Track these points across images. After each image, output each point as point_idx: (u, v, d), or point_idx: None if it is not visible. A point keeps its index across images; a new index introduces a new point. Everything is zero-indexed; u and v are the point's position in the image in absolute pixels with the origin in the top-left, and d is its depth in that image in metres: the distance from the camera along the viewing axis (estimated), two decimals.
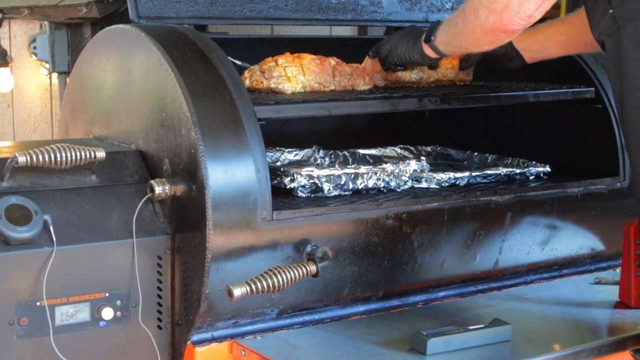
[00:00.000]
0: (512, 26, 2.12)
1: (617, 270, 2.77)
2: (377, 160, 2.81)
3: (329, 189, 2.43)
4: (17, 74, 4.27)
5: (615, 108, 2.55)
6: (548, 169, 2.80)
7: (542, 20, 2.35)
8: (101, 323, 2.16)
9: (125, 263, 2.17)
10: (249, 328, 2.25)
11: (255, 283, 2.05)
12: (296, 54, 2.53)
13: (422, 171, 2.59)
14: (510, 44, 2.63)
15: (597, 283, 2.72)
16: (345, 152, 2.87)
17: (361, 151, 2.89)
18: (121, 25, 2.46)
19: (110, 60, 2.47)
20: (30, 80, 4.24)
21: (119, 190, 2.24)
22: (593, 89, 2.80)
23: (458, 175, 2.65)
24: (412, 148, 3.07)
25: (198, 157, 2.08)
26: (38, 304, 2.07)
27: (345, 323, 2.35)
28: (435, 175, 2.61)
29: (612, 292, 2.59)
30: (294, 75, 2.47)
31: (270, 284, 2.06)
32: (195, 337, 2.19)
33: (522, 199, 2.59)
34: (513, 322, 2.25)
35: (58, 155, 2.10)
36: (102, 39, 2.56)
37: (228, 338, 2.22)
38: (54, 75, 4.08)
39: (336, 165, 2.79)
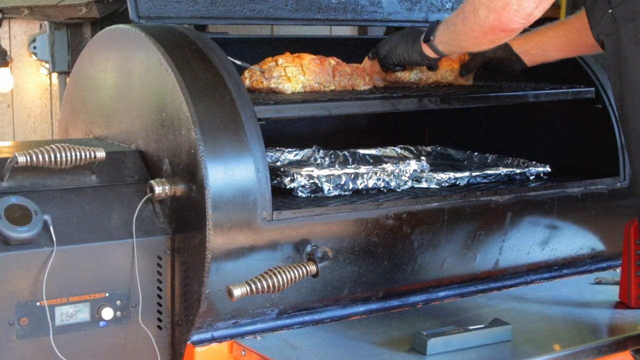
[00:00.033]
0: (511, 25, 2.12)
1: (617, 270, 2.77)
2: (377, 160, 2.80)
3: (329, 189, 2.43)
4: (17, 73, 4.27)
5: (615, 108, 2.55)
6: (548, 169, 2.80)
7: (542, 21, 2.35)
8: (101, 323, 2.16)
9: (125, 263, 2.17)
10: (249, 328, 2.25)
11: (255, 283, 2.05)
12: (296, 54, 2.53)
13: (422, 171, 2.59)
14: (509, 48, 2.63)
15: (597, 283, 2.72)
16: (345, 152, 2.87)
17: (361, 151, 2.89)
18: (121, 25, 2.46)
19: (110, 60, 2.47)
20: (30, 80, 4.24)
21: (119, 190, 2.24)
22: (593, 89, 2.80)
23: (458, 175, 2.65)
24: (412, 148, 3.07)
25: (198, 157, 2.08)
26: (38, 304, 2.07)
27: (345, 323, 2.35)
28: (435, 175, 2.61)
29: (612, 292, 2.59)
30: (294, 75, 2.47)
31: (270, 284, 2.06)
32: (195, 337, 2.19)
33: (522, 199, 2.59)
34: (513, 322, 2.25)
35: (58, 155, 2.10)
36: (102, 39, 2.56)
37: (228, 338, 2.22)
38: (54, 75, 4.08)
39: (336, 165, 2.79)
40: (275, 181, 2.41)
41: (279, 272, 2.07)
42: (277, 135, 3.00)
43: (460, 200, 2.47)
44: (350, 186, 2.46)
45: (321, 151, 2.86)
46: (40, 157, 2.08)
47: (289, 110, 2.30)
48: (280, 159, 2.80)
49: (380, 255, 2.36)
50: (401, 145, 3.05)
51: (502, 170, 2.74)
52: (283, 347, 2.19)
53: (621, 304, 2.53)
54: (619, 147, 2.76)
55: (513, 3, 2.08)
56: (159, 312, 2.23)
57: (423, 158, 2.72)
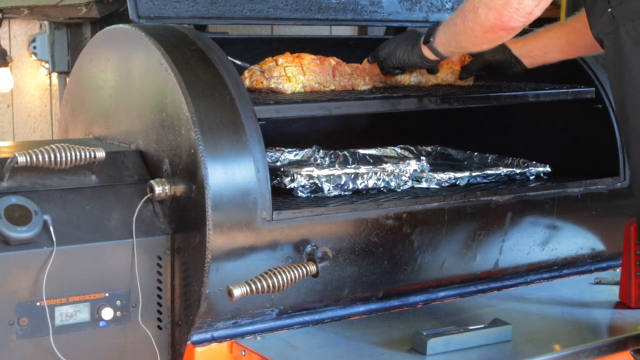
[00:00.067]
0: (511, 23, 2.12)
1: (618, 270, 2.77)
2: (377, 160, 2.80)
3: (329, 189, 2.43)
4: (17, 73, 4.27)
5: (614, 107, 2.55)
6: (548, 169, 2.79)
7: (541, 22, 2.35)
8: (101, 323, 2.16)
9: (125, 263, 2.17)
10: (249, 328, 2.25)
11: (255, 283, 2.05)
12: (296, 54, 2.53)
13: (422, 171, 2.59)
14: (509, 51, 2.63)
15: (597, 283, 2.72)
16: (345, 152, 2.87)
17: (361, 151, 2.89)
18: (121, 25, 2.46)
19: (110, 60, 2.47)
20: (30, 80, 4.24)
21: (119, 190, 2.24)
22: (593, 89, 2.80)
23: (458, 175, 2.65)
24: (412, 148, 3.07)
25: (198, 157, 2.08)
26: (38, 304, 2.07)
27: (345, 323, 2.35)
28: (435, 175, 2.60)
29: (613, 292, 2.59)
30: (294, 75, 2.47)
31: (270, 284, 2.06)
32: (195, 337, 2.19)
33: (522, 199, 2.59)
34: (513, 322, 2.25)
35: (58, 155, 2.10)
36: (102, 38, 2.56)
37: (228, 338, 2.22)
38: (54, 75, 4.08)
39: (336, 165, 2.79)
40: (275, 181, 2.41)
41: (279, 272, 2.07)
42: (277, 135, 3.00)
43: (460, 200, 2.47)
44: (350, 186, 2.46)
45: (321, 151, 2.86)
46: (40, 157, 2.08)
47: (289, 110, 2.30)
48: (280, 159, 2.80)
49: (380, 255, 2.36)
50: (401, 145, 3.05)
51: (502, 170, 2.74)
52: (283, 347, 2.19)
53: (621, 304, 2.52)
54: (619, 147, 2.76)
55: (513, 1, 2.08)
56: (159, 312, 2.23)
57: (423, 158, 2.72)
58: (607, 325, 2.47)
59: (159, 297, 2.22)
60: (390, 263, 2.39)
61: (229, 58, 2.29)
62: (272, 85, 2.45)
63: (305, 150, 2.85)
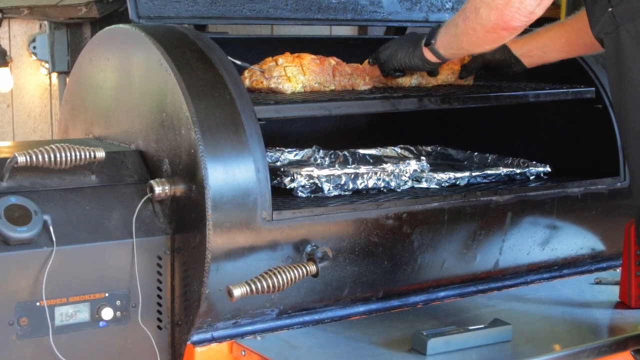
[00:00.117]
0: (513, 23, 2.11)
1: (618, 270, 2.77)
2: (377, 160, 2.80)
3: (329, 189, 2.43)
4: (16, 73, 4.27)
5: (613, 106, 2.55)
6: (548, 169, 2.79)
7: (541, 22, 2.35)
8: (101, 323, 2.16)
9: (125, 263, 2.17)
10: (249, 328, 2.24)
11: (255, 283, 2.05)
12: (296, 54, 2.53)
13: (422, 171, 2.59)
14: (508, 50, 2.63)
15: (597, 283, 2.72)
16: (345, 152, 2.87)
17: (361, 151, 2.89)
18: (121, 25, 2.46)
19: (110, 60, 2.47)
20: (30, 80, 4.24)
21: (119, 190, 2.24)
22: (593, 88, 2.80)
23: (458, 175, 2.65)
24: (412, 148, 3.07)
25: (198, 157, 2.08)
26: (38, 304, 2.07)
27: (345, 323, 2.35)
28: (435, 175, 2.60)
29: (613, 292, 2.58)
30: (294, 75, 2.47)
31: (270, 284, 2.06)
32: (195, 338, 2.19)
33: (522, 199, 2.59)
34: (513, 323, 2.25)
35: (58, 155, 2.10)
36: (102, 38, 2.56)
37: (228, 338, 2.21)
38: (54, 75, 4.08)
39: (336, 165, 2.79)
40: (275, 181, 2.41)
41: (279, 272, 2.07)
42: (277, 135, 3.00)
43: (460, 200, 2.47)
44: (350, 186, 2.46)
45: (321, 151, 2.86)
46: (40, 157, 2.08)
47: (289, 110, 2.30)
48: (280, 159, 2.80)
49: (380, 255, 2.36)
50: (401, 145, 3.05)
51: (502, 170, 2.73)
52: (283, 347, 2.19)
53: (621, 304, 2.52)
54: (619, 147, 2.76)
55: (515, 1, 2.07)
56: (159, 312, 2.23)
57: (423, 158, 2.71)
58: (607, 326, 2.47)
59: (159, 297, 2.22)
60: (390, 263, 2.39)
61: (229, 58, 2.29)
62: (272, 85, 2.45)
63: (305, 150, 2.85)
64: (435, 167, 2.76)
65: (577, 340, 2.29)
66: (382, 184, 2.49)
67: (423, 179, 2.59)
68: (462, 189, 2.58)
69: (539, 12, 2.10)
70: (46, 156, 2.08)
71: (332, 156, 2.85)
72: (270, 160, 2.75)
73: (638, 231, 2.21)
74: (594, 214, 2.76)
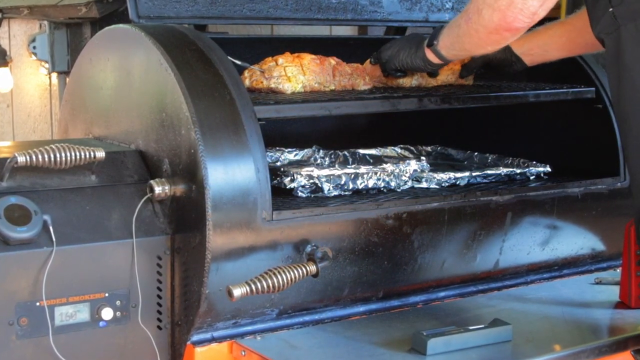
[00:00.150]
0: (516, 24, 2.11)
1: (618, 270, 2.77)
2: (377, 160, 2.80)
3: (329, 189, 2.43)
4: (16, 73, 4.27)
5: (613, 106, 2.55)
6: (548, 169, 2.79)
7: (542, 21, 2.35)
8: (101, 323, 2.16)
9: (125, 263, 2.17)
10: (249, 328, 2.24)
11: (255, 283, 2.05)
12: (296, 54, 2.52)
13: (422, 171, 2.58)
14: (509, 49, 2.62)
15: (597, 283, 2.71)
16: (345, 152, 2.87)
17: (361, 151, 2.89)
18: (121, 25, 2.46)
19: (110, 60, 2.47)
20: (30, 80, 4.24)
21: (119, 190, 2.24)
22: (593, 88, 2.80)
23: (458, 175, 2.65)
24: (412, 148, 3.07)
25: (198, 157, 2.08)
26: (37, 304, 2.07)
27: (345, 323, 2.35)
28: (435, 175, 2.60)
29: (613, 293, 2.58)
30: (294, 75, 2.46)
31: (270, 284, 2.05)
32: (195, 338, 2.18)
33: (522, 199, 2.59)
34: (513, 323, 2.25)
35: (58, 155, 2.09)
36: (102, 38, 2.55)
37: (228, 338, 2.21)
38: (54, 75, 4.08)
39: (336, 165, 2.79)
40: (275, 181, 2.41)
41: (279, 272, 2.07)
42: (277, 135, 3.00)
43: (460, 200, 2.47)
44: (350, 186, 2.46)
45: (321, 151, 2.86)
46: (40, 157, 2.08)
47: (289, 110, 2.30)
48: (280, 159, 2.80)
49: (380, 255, 2.36)
50: (401, 145, 3.05)
51: (503, 170, 2.73)
52: (283, 347, 2.18)
53: (621, 304, 2.52)
54: (619, 147, 2.76)
55: (517, 2, 2.07)
56: (159, 312, 2.23)
57: (423, 158, 2.71)
58: (607, 326, 2.47)
59: (159, 297, 2.22)
60: (391, 263, 2.39)
61: (229, 58, 2.28)
62: (272, 85, 2.45)
63: (305, 150, 2.85)
64: (435, 167, 2.76)
65: (577, 340, 2.29)
66: (382, 184, 2.49)
67: (423, 179, 2.59)
68: (462, 189, 2.58)
69: (541, 13, 2.10)
70: (46, 156, 2.08)
71: (332, 156, 2.85)
72: (270, 160, 2.74)
73: (638, 231, 2.21)
74: (594, 214, 2.76)
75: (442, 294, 2.56)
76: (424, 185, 2.58)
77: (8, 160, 2.08)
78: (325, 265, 2.17)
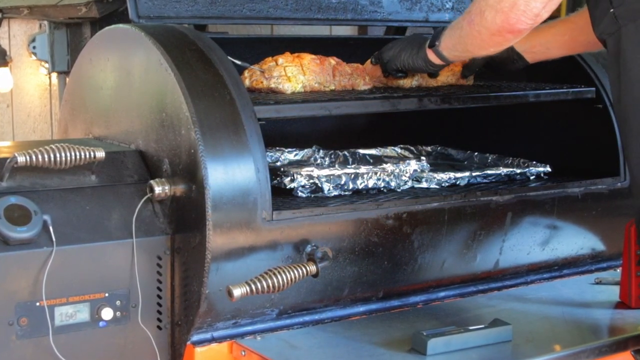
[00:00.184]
0: (519, 25, 2.11)
1: (618, 270, 2.77)
2: (377, 160, 2.80)
3: (329, 189, 2.43)
4: (16, 73, 4.27)
5: (613, 107, 2.55)
6: (548, 169, 2.79)
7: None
8: (101, 323, 2.15)
9: (125, 263, 2.17)
10: (249, 328, 2.24)
11: (255, 283, 2.05)
12: (296, 54, 2.52)
13: (422, 171, 2.58)
14: (511, 47, 2.62)
15: (597, 283, 2.71)
16: (345, 152, 2.87)
17: (361, 151, 2.89)
18: (121, 25, 2.46)
19: (110, 60, 2.47)
20: (30, 80, 4.24)
21: (119, 190, 2.24)
22: (594, 88, 2.79)
23: (458, 175, 2.65)
24: (412, 148, 3.07)
25: (198, 157, 2.08)
26: (37, 304, 2.07)
27: (345, 323, 2.35)
28: (435, 175, 2.60)
29: (613, 293, 2.58)
30: (294, 75, 2.46)
31: (270, 284, 2.05)
32: (195, 338, 2.18)
33: (522, 199, 2.59)
34: (513, 323, 2.25)
35: (57, 155, 2.09)
36: (102, 38, 2.55)
37: (228, 338, 2.21)
38: (54, 75, 4.08)
39: (336, 165, 2.79)
40: (275, 181, 2.41)
41: (279, 272, 2.07)
42: (277, 135, 3.00)
43: (460, 200, 2.47)
44: (350, 186, 2.45)
45: (321, 151, 2.86)
46: (39, 157, 2.08)
47: (289, 110, 2.30)
48: (280, 159, 2.80)
49: (381, 256, 2.36)
50: (401, 145, 3.05)
51: (503, 170, 2.73)
52: (283, 347, 2.18)
53: (622, 304, 2.52)
54: (619, 147, 2.75)
55: (521, 3, 2.07)
56: (159, 312, 2.23)
57: (423, 158, 2.71)
58: (607, 326, 2.47)
59: (159, 297, 2.22)
60: (391, 263, 2.39)
61: (229, 58, 2.28)
62: (272, 85, 2.45)
63: (305, 150, 2.85)
64: (435, 167, 2.76)
65: (577, 340, 2.29)
66: (382, 184, 2.49)
67: (423, 179, 2.59)
68: (462, 189, 2.58)
69: (544, 15, 2.09)
70: (46, 156, 2.08)
71: (332, 156, 2.85)
72: (270, 160, 2.74)
73: (639, 231, 2.21)
74: (594, 214, 2.76)
75: (442, 294, 2.56)
76: (424, 185, 2.58)
77: (8, 160, 2.08)
78: (325, 265, 2.17)
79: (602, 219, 2.78)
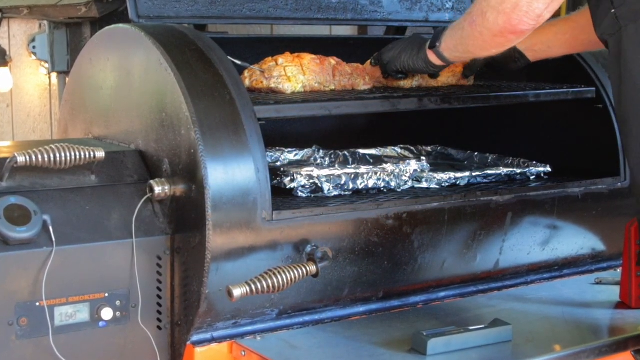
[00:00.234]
0: (521, 26, 2.10)
1: (618, 270, 2.77)
2: (378, 160, 2.80)
3: (329, 189, 2.42)
4: (16, 73, 4.27)
5: (614, 107, 2.55)
6: (549, 169, 2.79)
7: None
8: (101, 323, 2.15)
9: (125, 263, 2.17)
10: (249, 328, 2.24)
11: (255, 283, 2.05)
12: (296, 54, 2.52)
13: (422, 171, 2.58)
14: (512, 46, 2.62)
15: (597, 283, 2.71)
16: (345, 152, 2.87)
17: (361, 151, 2.89)
18: (121, 25, 2.45)
19: (110, 60, 2.47)
20: (30, 80, 4.24)
21: (119, 190, 2.24)
22: (594, 88, 2.79)
23: (458, 175, 2.65)
24: (412, 148, 3.07)
25: (198, 157, 2.08)
26: (37, 304, 2.07)
27: (345, 323, 2.35)
28: (435, 175, 2.60)
29: (613, 293, 2.58)
30: (294, 75, 2.46)
31: (270, 284, 2.05)
32: (195, 338, 2.18)
33: (522, 199, 2.59)
34: (514, 323, 2.25)
35: (57, 155, 2.09)
36: (102, 38, 2.55)
37: (228, 338, 2.21)
38: (54, 75, 4.08)
39: (336, 165, 2.79)
40: (275, 181, 2.41)
41: (279, 272, 2.07)
42: (277, 135, 3.00)
43: (460, 200, 2.47)
44: (350, 186, 2.45)
45: (321, 151, 2.86)
46: (39, 157, 2.07)
47: (289, 110, 2.30)
48: (280, 159, 2.80)
49: (381, 256, 2.36)
50: (401, 145, 3.05)
51: (503, 170, 2.73)
52: (283, 347, 2.18)
53: (622, 304, 2.52)
54: (619, 147, 2.75)
55: (523, 5, 2.06)
56: (159, 312, 2.23)
57: (423, 158, 2.71)
58: (607, 326, 2.47)
59: (159, 297, 2.22)
60: (391, 263, 2.39)
61: (229, 58, 2.28)
62: (272, 85, 2.45)
63: (305, 150, 2.85)
64: (436, 167, 2.76)
65: (578, 340, 2.29)
66: (382, 184, 2.49)
67: (423, 179, 2.59)
68: (462, 189, 2.58)
69: (547, 15, 2.09)
70: (46, 156, 2.08)
71: (332, 156, 2.85)
72: (270, 160, 2.74)
73: None
74: (594, 214, 2.76)
75: (442, 294, 2.56)
76: (424, 185, 2.58)
77: (8, 160, 2.08)
78: (325, 265, 2.17)
79: (602, 219, 2.78)
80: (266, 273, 2.07)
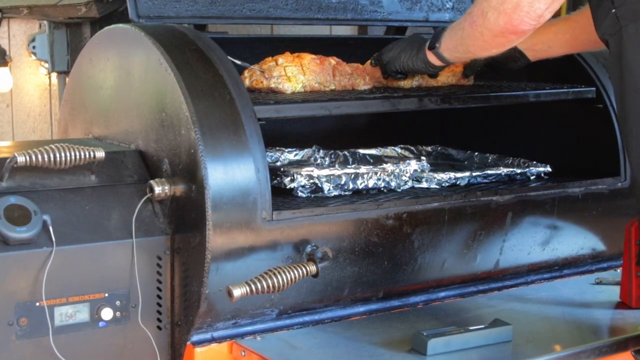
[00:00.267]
0: (522, 27, 2.10)
1: (618, 270, 2.77)
2: (378, 160, 2.80)
3: (329, 189, 2.42)
4: (16, 73, 4.27)
5: (615, 107, 2.54)
6: (549, 169, 2.79)
7: None
8: (100, 323, 2.15)
9: (125, 263, 2.16)
10: (249, 328, 2.24)
11: (255, 283, 2.05)
12: (296, 54, 2.52)
13: (422, 171, 2.58)
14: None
15: (598, 283, 2.71)
16: (346, 152, 2.87)
17: (361, 151, 2.89)
18: (120, 25, 2.45)
19: (110, 60, 2.47)
20: (30, 80, 4.24)
21: (119, 190, 2.24)
22: (594, 88, 2.79)
23: (459, 175, 2.64)
24: (412, 148, 3.07)
25: (198, 157, 2.08)
26: (37, 304, 2.07)
27: (345, 323, 2.35)
28: (435, 175, 2.60)
29: (613, 293, 2.58)
30: (294, 75, 2.46)
31: (270, 285, 2.05)
32: (195, 338, 2.18)
33: (522, 199, 2.59)
34: (514, 323, 2.25)
35: (57, 155, 2.09)
36: (102, 38, 2.55)
37: (228, 338, 2.21)
38: (53, 75, 4.08)
39: (336, 165, 2.79)
40: (275, 181, 2.41)
41: (279, 272, 2.07)
42: (277, 135, 3.00)
43: (460, 200, 2.47)
44: (350, 186, 2.45)
45: (321, 151, 2.86)
46: (39, 157, 2.07)
47: (289, 110, 2.30)
48: (280, 159, 2.80)
49: (381, 256, 2.36)
50: (401, 145, 3.05)
51: (503, 170, 2.73)
52: (283, 347, 2.18)
53: (622, 305, 2.52)
54: (619, 147, 2.75)
55: (524, 5, 2.06)
56: (159, 312, 2.22)
57: (423, 158, 2.71)
58: (607, 326, 2.47)
59: (159, 297, 2.22)
60: (391, 263, 2.39)
61: (229, 58, 2.28)
62: (272, 85, 2.45)
63: (305, 150, 2.85)
64: (436, 167, 2.76)
65: (578, 340, 2.29)
66: (382, 184, 2.49)
67: (423, 179, 2.58)
68: (462, 189, 2.58)
69: (547, 16, 2.09)
70: (46, 156, 2.08)
71: (332, 156, 2.85)
72: (270, 160, 2.74)
73: None
74: (594, 214, 2.76)
75: (442, 294, 2.56)
76: (424, 185, 2.58)
77: (8, 160, 2.08)
78: (325, 266, 2.17)
79: (603, 219, 2.78)
80: (266, 273, 2.07)
